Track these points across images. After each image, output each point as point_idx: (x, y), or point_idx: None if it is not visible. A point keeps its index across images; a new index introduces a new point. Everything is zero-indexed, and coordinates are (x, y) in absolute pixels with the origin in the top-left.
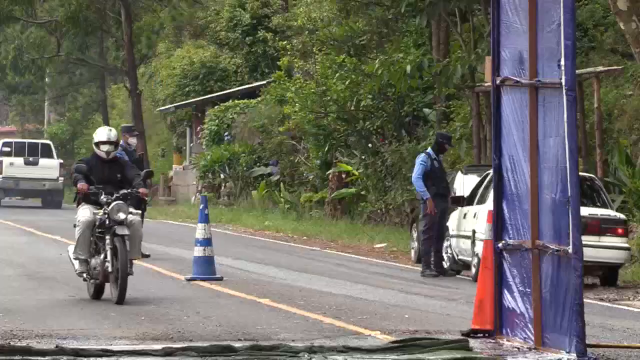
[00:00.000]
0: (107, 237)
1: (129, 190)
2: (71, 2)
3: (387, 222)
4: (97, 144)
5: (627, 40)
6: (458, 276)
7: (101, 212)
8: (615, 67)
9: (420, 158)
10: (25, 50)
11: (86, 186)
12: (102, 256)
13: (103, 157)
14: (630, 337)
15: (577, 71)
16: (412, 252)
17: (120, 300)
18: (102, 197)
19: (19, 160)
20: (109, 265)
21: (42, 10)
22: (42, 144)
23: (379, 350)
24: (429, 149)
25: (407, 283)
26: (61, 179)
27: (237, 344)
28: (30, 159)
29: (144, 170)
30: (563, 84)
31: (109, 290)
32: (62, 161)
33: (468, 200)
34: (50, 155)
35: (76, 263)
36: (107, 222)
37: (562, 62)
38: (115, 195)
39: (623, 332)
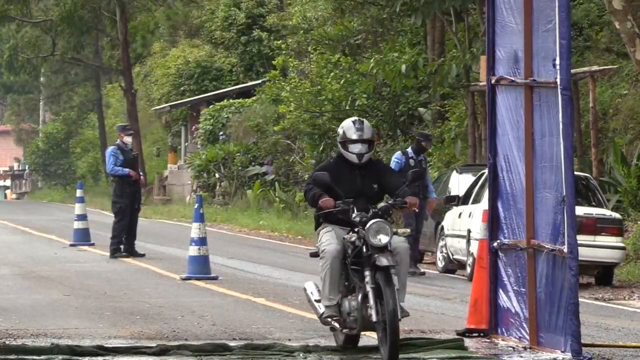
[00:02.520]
0: (367, 271)
1: (391, 202)
2: (66, 1)
3: None
4: (344, 143)
5: (622, 39)
6: (453, 275)
7: (354, 235)
8: (611, 67)
9: (395, 156)
10: (21, 49)
11: (332, 201)
12: (359, 297)
13: (354, 162)
14: (626, 337)
15: (572, 70)
16: None
17: (392, 358)
18: (354, 214)
19: None
20: (372, 312)
21: (37, 9)
22: None
23: (374, 350)
24: (409, 148)
25: None
26: None
27: (232, 343)
28: None
29: (414, 171)
30: (558, 83)
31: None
32: None
33: (463, 200)
34: None
35: (320, 306)
36: (365, 249)
37: (557, 62)
38: (372, 211)
39: (618, 331)
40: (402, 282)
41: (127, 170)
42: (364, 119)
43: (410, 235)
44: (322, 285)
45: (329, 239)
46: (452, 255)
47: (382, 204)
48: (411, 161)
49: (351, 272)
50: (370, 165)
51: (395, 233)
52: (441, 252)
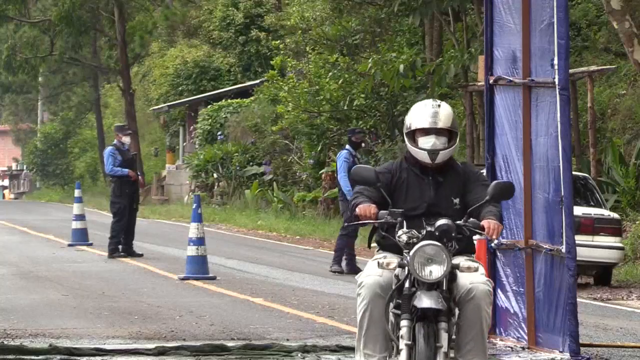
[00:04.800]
0: (405, 319)
1: (460, 222)
2: (64, 1)
3: None
4: (412, 135)
5: (620, 39)
6: None
7: (394, 261)
8: (609, 67)
9: (343, 155)
10: (19, 49)
11: (373, 209)
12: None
13: (425, 162)
14: (624, 337)
15: (570, 70)
16: None
17: None
18: (400, 232)
19: None
20: None
21: (35, 9)
22: None
23: None
24: (348, 146)
25: None
26: None
27: (230, 343)
28: None
29: (503, 183)
30: (556, 83)
31: None
32: None
33: None
34: None
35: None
36: (412, 284)
37: (555, 61)
38: (425, 230)
39: (616, 331)
40: (475, 340)
41: (126, 170)
42: (443, 102)
43: (347, 235)
44: (357, 335)
45: (370, 269)
46: None
47: (441, 222)
48: (356, 160)
49: (391, 317)
50: (451, 168)
51: (456, 267)
52: None
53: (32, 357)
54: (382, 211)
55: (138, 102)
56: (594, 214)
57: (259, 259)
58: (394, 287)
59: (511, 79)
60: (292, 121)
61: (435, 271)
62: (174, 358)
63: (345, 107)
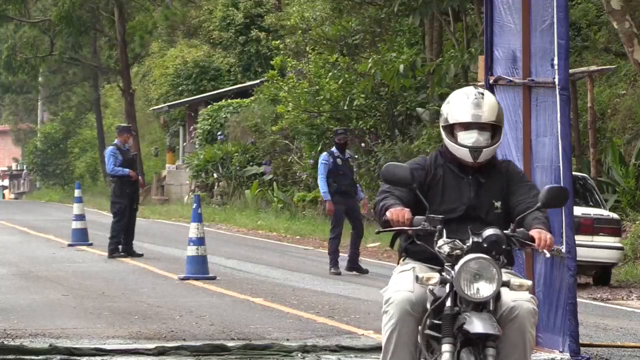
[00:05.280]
0: (446, 343)
1: (508, 232)
2: (64, 1)
3: None
4: (450, 128)
5: (620, 39)
6: None
7: (435, 277)
8: (609, 67)
9: (322, 157)
10: (19, 49)
11: (406, 213)
12: None
13: (464, 161)
14: (624, 337)
15: (570, 70)
16: None
17: None
18: (440, 241)
19: None
20: None
21: (35, 9)
22: None
23: (372, 350)
24: (333, 148)
25: None
26: None
27: (230, 343)
28: None
29: (555, 189)
30: (556, 83)
31: None
32: None
33: None
34: None
35: None
36: (454, 303)
37: (555, 62)
38: (472, 240)
39: (616, 331)
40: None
41: (127, 170)
42: (486, 91)
43: (336, 237)
44: (381, 357)
45: (401, 282)
46: None
47: (490, 231)
48: (338, 160)
49: (425, 340)
50: (493, 168)
51: (506, 284)
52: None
53: (32, 357)
54: (417, 217)
55: (138, 102)
56: (594, 214)
57: (259, 259)
58: (429, 304)
59: (511, 79)
60: (292, 121)
61: (484, 289)
62: (174, 358)
63: (345, 107)
